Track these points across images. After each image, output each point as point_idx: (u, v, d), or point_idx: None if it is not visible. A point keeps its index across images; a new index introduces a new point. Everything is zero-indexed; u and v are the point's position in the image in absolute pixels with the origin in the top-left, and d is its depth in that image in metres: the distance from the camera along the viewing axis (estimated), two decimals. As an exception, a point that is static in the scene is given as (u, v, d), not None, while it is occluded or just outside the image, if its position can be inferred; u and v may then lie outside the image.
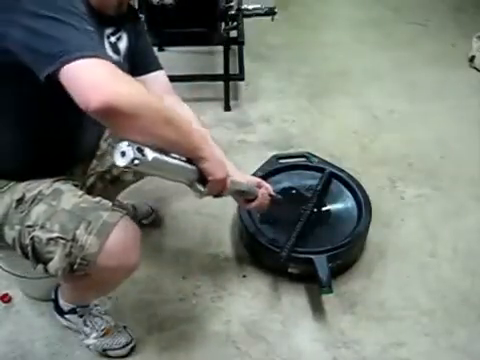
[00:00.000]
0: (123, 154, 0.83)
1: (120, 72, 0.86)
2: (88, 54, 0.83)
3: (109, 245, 1.04)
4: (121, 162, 0.84)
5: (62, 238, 1.05)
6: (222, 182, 1.05)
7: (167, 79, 1.35)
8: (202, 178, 1.02)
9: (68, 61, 0.83)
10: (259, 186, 1.39)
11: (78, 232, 1.05)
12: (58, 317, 1.43)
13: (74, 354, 1.41)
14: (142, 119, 0.85)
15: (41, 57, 0.85)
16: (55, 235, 1.06)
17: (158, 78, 1.33)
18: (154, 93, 1.08)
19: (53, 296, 1.43)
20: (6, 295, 1.55)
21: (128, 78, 0.87)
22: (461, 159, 2.12)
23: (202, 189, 1.02)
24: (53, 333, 1.45)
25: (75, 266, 1.06)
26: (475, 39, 2.76)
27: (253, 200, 1.35)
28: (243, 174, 1.37)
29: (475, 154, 2.14)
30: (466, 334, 1.44)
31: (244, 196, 1.35)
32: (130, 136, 0.85)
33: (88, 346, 1.40)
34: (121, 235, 1.06)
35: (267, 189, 1.41)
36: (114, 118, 0.83)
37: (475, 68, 2.74)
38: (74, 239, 1.05)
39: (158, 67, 1.34)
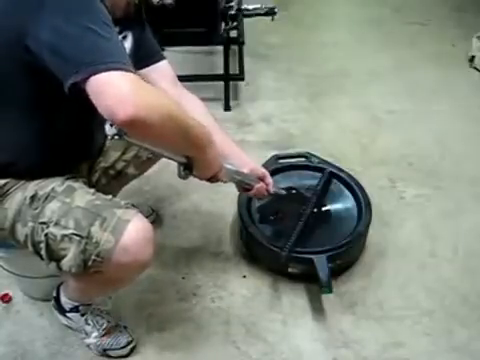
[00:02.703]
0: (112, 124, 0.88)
1: (143, 83, 0.88)
2: (115, 66, 0.85)
3: (124, 241, 1.05)
4: (111, 131, 0.89)
5: (77, 235, 1.06)
6: (208, 177, 1.14)
7: (171, 69, 1.38)
8: (189, 165, 1.08)
9: (95, 72, 0.84)
10: (261, 178, 1.41)
11: (93, 229, 1.06)
12: (59, 316, 1.43)
13: (74, 354, 1.41)
14: (163, 129, 0.90)
15: (68, 63, 0.87)
16: (70, 232, 1.07)
17: (163, 68, 1.36)
18: (167, 91, 1.22)
19: (54, 294, 1.43)
20: (6, 295, 1.55)
21: (150, 89, 0.89)
22: (461, 159, 2.12)
23: (182, 173, 1.09)
24: (53, 333, 1.45)
25: (89, 263, 1.07)
26: (475, 39, 2.76)
27: (250, 189, 1.39)
28: (249, 162, 1.39)
29: (475, 154, 2.14)
30: (466, 334, 1.44)
31: (240, 184, 1.37)
32: (148, 141, 0.93)
33: (88, 345, 1.40)
34: (135, 232, 1.07)
35: (267, 185, 1.43)
36: (138, 129, 0.88)
37: (475, 68, 2.74)
38: (89, 236, 1.06)
39: (161, 57, 1.37)
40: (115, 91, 0.84)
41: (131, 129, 0.87)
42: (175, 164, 1.13)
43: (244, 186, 1.38)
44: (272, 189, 1.45)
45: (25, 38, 0.90)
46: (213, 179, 1.17)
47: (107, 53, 0.87)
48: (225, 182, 1.24)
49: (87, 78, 0.85)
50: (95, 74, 0.84)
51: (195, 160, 1.08)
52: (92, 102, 0.86)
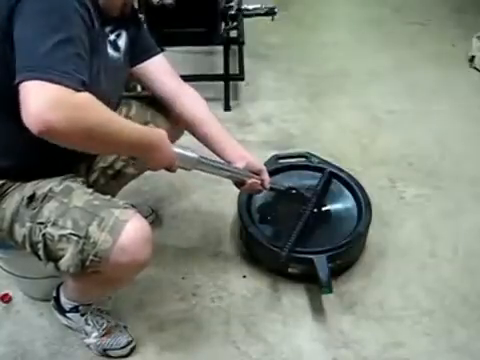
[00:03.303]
0: None
1: (67, 96, 0.86)
2: (41, 76, 0.84)
3: (122, 241, 1.05)
4: None
5: (75, 235, 1.06)
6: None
7: (167, 62, 1.38)
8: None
9: (26, 79, 0.85)
10: (257, 173, 1.42)
11: (91, 229, 1.06)
12: (58, 316, 1.43)
13: (74, 354, 1.41)
14: (82, 140, 0.91)
15: (17, 63, 0.88)
16: (68, 232, 1.07)
17: (159, 63, 1.36)
18: (165, 85, 1.31)
19: (54, 294, 1.43)
20: (6, 295, 1.55)
21: (74, 102, 0.87)
22: (461, 159, 2.12)
23: (133, 162, 1.13)
24: (53, 333, 1.45)
25: (87, 263, 1.07)
26: (475, 39, 2.76)
27: (243, 184, 1.40)
28: (246, 155, 1.40)
29: (475, 154, 2.14)
30: (466, 334, 1.44)
31: (231, 178, 1.38)
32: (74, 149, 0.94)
33: (88, 345, 1.40)
34: (133, 232, 1.07)
35: (263, 180, 1.43)
36: (55, 140, 0.89)
37: (475, 68, 2.74)
38: (87, 236, 1.06)
39: (157, 52, 1.37)
40: (31, 102, 0.84)
41: (46, 139, 0.87)
42: None
43: (236, 180, 1.39)
44: (268, 185, 1.45)
45: (6, 34, 0.92)
46: (169, 170, 1.17)
47: (44, 61, 0.86)
48: (189, 170, 1.22)
49: (20, 82, 0.86)
50: (25, 80, 0.85)
51: (140, 158, 1.10)
52: None
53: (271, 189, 1.52)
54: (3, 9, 0.92)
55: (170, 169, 1.17)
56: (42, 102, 0.84)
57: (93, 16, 1.00)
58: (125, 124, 0.99)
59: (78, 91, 0.88)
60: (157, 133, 1.08)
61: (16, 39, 0.90)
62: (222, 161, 1.37)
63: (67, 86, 0.86)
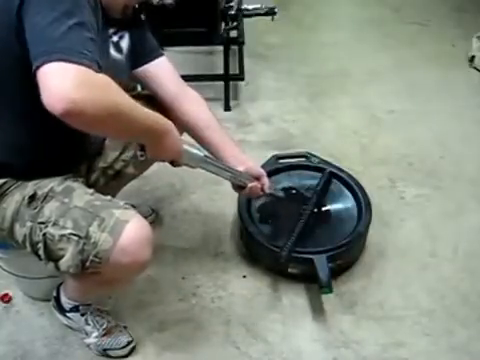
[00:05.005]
0: None
1: (88, 76, 0.86)
2: (63, 57, 0.84)
3: (122, 242, 1.05)
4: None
5: (75, 235, 1.06)
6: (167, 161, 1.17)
7: (170, 64, 1.38)
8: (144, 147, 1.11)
9: (47, 61, 0.83)
10: (257, 178, 1.42)
11: (91, 229, 1.06)
12: (59, 315, 1.43)
13: (74, 354, 1.41)
14: (102, 123, 0.90)
15: (31, 52, 0.87)
16: (68, 232, 1.07)
17: (161, 65, 1.36)
18: (167, 87, 1.31)
19: (55, 294, 1.43)
20: (6, 295, 1.55)
21: (94, 83, 0.87)
22: (461, 159, 2.12)
23: (138, 154, 1.12)
24: (53, 333, 1.45)
25: (87, 263, 1.07)
26: (475, 39, 2.76)
27: (244, 188, 1.39)
28: (246, 160, 1.39)
29: (475, 154, 2.14)
30: (466, 334, 1.44)
31: (232, 182, 1.38)
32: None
33: (88, 345, 1.40)
34: (134, 232, 1.07)
35: (262, 185, 1.43)
36: (75, 122, 0.87)
37: (475, 68, 2.74)
38: (87, 236, 1.06)
39: (160, 54, 1.37)
40: (54, 83, 0.83)
41: (68, 121, 0.86)
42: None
43: (237, 184, 1.39)
44: (268, 190, 1.45)
45: (17, 28, 0.91)
46: (174, 164, 1.18)
47: (62, 43, 0.85)
48: (193, 167, 1.23)
49: (39, 66, 0.84)
50: (45, 64, 0.83)
51: (148, 145, 1.08)
52: None
53: (270, 195, 1.51)
54: (11, 6, 0.91)
55: (175, 163, 1.17)
56: (65, 82, 0.83)
57: (98, 16, 1.00)
58: (141, 107, 0.99)
59: (96, 72, 0.87)
60: (168, 122, 1.08)
61: (29, 29, 0.89)
62: (227, 166, 1.36)
63: (87, 66, 0.85)
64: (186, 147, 1.17)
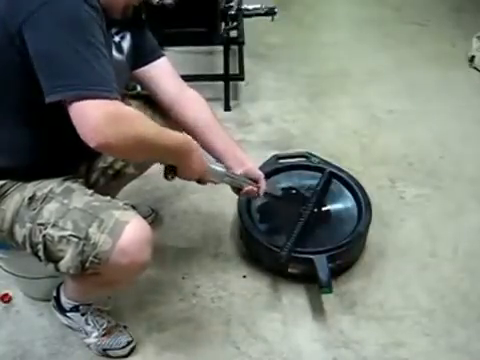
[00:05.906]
0: None
1: (118, 112, 0.95)
2: (92, 94, 0.91)
3: (122, 243, 1.06)
4: None
5: (75, 236, 1.07)
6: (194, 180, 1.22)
7: (170, 65, 1.39)
8: (173, 168, 1.16)
9: (77, 98, 0.91)
10: (255, 181, 1.42)
11: (91, 230, 1.06)
12: (59, 315, 1.43)
13: (74, 354, 1.41)
14: (134, 152, 1.01)
15: (47, 81, 0.92)
16: (67, 233, 1.07)
17: (162, 65, 1.37)
18: (167, 88, 1.34)
19: (55, 294, 1.43)
20: (6, 295, 1.55)
21: (124, 117, 0.96)
22: (461, 159, 2.12)
23: (169, 176, 1.17)
24: (53, 333, 1.45)
25: (87, 264, 1.07)
26: (475, 39, 2.76)
27: (241, 190, 1.41)
28: (245, 162, 1.40)
29: (475, 154, 2.14)
30: (466, 334, 1.44)
31: (231, 185, 1.39)
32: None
33: (88, 345, 1.40)
34: (133, 233, 1.07)
35: (259, 188, 1.43)
36: (110, 153, 1.08)
37: (475, 68, 2.74)
38: (87, 237, 1.06)
39: (160, 55, 1.37)
40: (89, 121, 0.92)
41: (104, 152, 1.01)
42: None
43: (236, 186, 1.40)
44: (262, 193, 1.45)
45: (18, 40, 0.93)
46: (201, 181, 1.23)
47: (87, 81, 0.92)
48: (216, 183, 1.28)
49: (65, 100, 0.92)
50: (76, 100, 0.91)
51: (177, 166, 1.15)
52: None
53: (266, 194, 1.51)
54: (15, 18, 0.93)
55: (201, 181, 1.23)
56: (100, 120, 0.91)
57: (102, 21, 1.00)
58: (167, 132, 1.06)
59: (118, 100, 0.95)
60: (193, 142, 1.14)
61: (41, 54, 0.92)
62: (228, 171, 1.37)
63: (115, 99, 0.94)
64: (210, 165, 1.23)
